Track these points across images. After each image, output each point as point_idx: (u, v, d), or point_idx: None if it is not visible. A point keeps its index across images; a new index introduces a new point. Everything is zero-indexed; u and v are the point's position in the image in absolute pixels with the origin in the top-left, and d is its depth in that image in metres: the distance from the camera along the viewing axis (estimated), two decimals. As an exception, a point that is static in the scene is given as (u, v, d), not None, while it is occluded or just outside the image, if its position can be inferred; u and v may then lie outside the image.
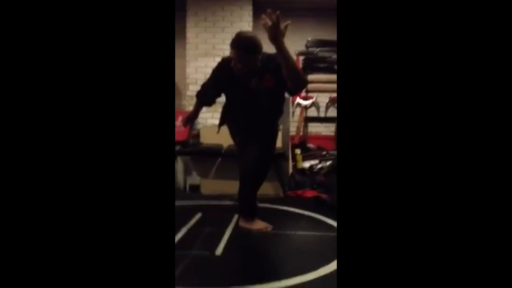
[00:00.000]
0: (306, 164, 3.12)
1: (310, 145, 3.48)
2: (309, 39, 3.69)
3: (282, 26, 1.57)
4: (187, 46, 3.62)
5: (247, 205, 1.96)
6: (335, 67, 3.61)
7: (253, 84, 1.83)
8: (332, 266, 1.45)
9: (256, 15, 3.59)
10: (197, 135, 3.37)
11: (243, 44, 1.72)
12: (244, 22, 3.58)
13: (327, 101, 3.63)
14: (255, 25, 3.57)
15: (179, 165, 3.20)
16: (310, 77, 3.58)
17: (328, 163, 3.03)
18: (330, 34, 3.72)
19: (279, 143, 2.93)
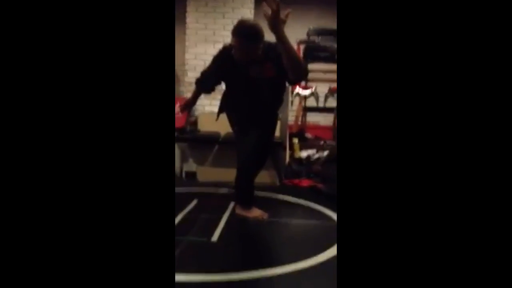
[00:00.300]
0: (304, 154, 3.13)
1: (308, 135, 3.48)
2: (311, 27, 3.65)
3: (283, 14, 1.55)
4: (187, 31, 3.57)
5: (243, 192, 1.97)
6: (336, 56, 3.58)
7: (253, 72, 1.81)
8: (327, 254, 1.47)
9: (258, 1, 3.53)
10: (195, 122, 3.36)
11: (245, 32, 1.70)
12: (245, 9, 3.52)
13: (326, 91, 3.61)
14: (256, 12, 3.51)
15: (176, 152, 3.19)
16: (310, 66, 3.54)
17: (326, 153, 3.03)
18: (332, 23, 3.68)
19: (277, 132, 2.93)
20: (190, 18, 3.56)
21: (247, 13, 3.49)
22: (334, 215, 2.01)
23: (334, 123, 3.60)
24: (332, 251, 1.49)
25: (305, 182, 2.82)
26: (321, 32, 3.65)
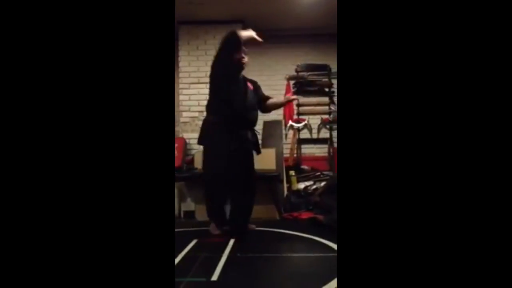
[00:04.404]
0: (301, 186, 3.13)
1: (304, 166, 3.50)
2: (299, 63, 3.80)
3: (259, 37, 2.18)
4: (180, 74, 3.71)
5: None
6: (325, 89, 3.70)
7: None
8: (331, 286, 1.44)
9: (246, 43, 3.70)
10: (192, 161, 3.38)
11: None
12: (235, 50, 3.68)
13: (318, 122, 3.69)
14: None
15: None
16: (301, 100, 3.66)
17: (323, 183, 3.04)
18: (319, 59, 3.85)
19: (273, 165, 2.95)
20: (183, 62, 3.71)
21: (237, 54, 3.65)
22: (335, 246, 1.99)
23: (329, 153, 3.64)
24: (334, 284, 1.46)
25: (305, 215, 2.80)
26: (309, 68, 3.79)
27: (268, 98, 2.42)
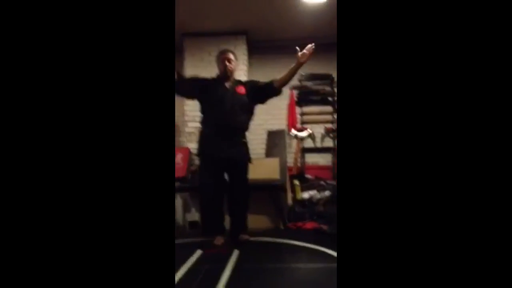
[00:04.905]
0: (305, 195, 3.13)
1: (308, 176, 3.50)
2: (302, 73, 3.82)
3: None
4: (185, 85, 3.74)
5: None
6: (329, 99, 3.72)
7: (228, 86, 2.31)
8: (334, 299, 1.43)
9: (251, 53, 3.75)
10: (195, 171, 3.40)
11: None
12: (239, 61, 3.72)
13: (322, 131, 3.70)
14: (249, 63, 3.72)
15: (178, 202, 3.19)
16: (305, 109, 3.67)
17: (327, 193, 3.03)
18: (322, 68, 3.87)
19: (277, 175, 2.95)
20: (189, 73, 3.75)
21: (241, 64, 3.69)
22: (340, 257, 1.97)
23: (332, 162, 3.63)
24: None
25: (309, 225, 2.79)
26: (312, 77, 3.81)
27: (274, 81, 2.35)
